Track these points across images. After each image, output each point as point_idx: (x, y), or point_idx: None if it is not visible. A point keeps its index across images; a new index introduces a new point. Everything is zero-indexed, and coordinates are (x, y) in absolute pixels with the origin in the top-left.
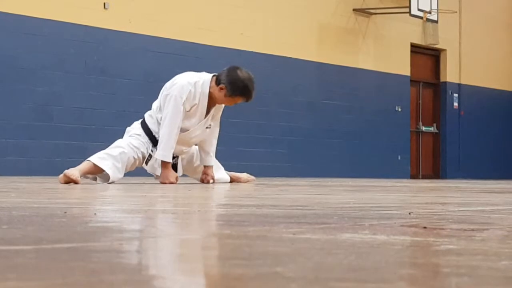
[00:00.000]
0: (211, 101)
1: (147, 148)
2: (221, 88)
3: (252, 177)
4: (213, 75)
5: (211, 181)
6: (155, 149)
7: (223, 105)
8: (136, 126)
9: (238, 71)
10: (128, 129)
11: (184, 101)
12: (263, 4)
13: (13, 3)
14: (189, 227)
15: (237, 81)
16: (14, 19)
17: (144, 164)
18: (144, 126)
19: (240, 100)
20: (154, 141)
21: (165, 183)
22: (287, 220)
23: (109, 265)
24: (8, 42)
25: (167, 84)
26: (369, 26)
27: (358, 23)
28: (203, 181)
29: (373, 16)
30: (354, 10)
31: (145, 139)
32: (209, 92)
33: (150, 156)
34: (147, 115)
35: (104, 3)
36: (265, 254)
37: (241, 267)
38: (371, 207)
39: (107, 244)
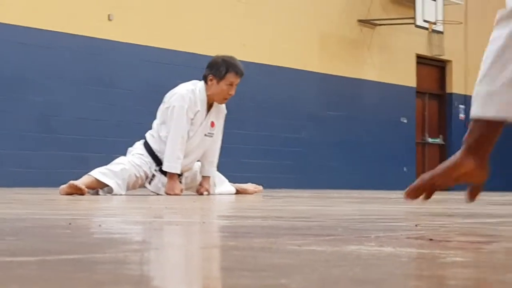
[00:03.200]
0: (209, 108)
1: (150, 167)
2: (210, 79)
3: (259, 187)
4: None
5: (205, 193)
6: (159, 169)
7: (224, 113)
8: (138, 146)
9: (215, 56)
10: (129, 149)
11: (187, 109)
12: (266, 14)
13: (15, 14)
14: (194, 239)
15: (216, 61)
16: (16, 30)
17: (147, 184)
18: (147, 146)
19: (233, 78)
20: (157, 161)
21: (170, 194)
22: (292, 232)
23: (114, 276)
24: (10, 52)
25: (165, 98)
26: (374, 37)
27: (363, 34)
28: (197, 191)
29: (378, 27)
30: (358, 21)
31: (148, 158)
32: (207, 96)
33: (153, 176)
34: (148, 135)
35: (109, 15)
36: (270, 266)
37: (246, 278)
38: (377, 218)
39: (112, 256)
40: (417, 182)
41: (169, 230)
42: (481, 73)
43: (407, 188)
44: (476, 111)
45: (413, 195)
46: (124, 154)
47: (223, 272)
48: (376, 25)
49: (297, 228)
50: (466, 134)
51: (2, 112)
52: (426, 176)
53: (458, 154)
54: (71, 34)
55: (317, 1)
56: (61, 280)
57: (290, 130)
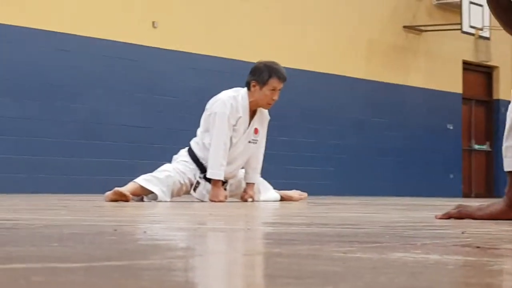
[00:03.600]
0: (252, 114)
1: (194, 174)
2: (253, 85)
3: (304, 194)
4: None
5: (250, 199)
6: (203, 176)
7: (268, 119)
8: (182, 154)
9: (257, 62)
10: (174, 157)
11: (228, 115)
12: (312, 21)
13: (61, 21)
14: (238, 245)
15: (258, 66)
16: (62, 37)
17: (192, 191)
18: (191, 153)
19: (276, 83)
20: (201, 168)
21: (214, 201)
22: (337, 239)
23: (160, 283)
24: (56, 60)
25: (208, 105)
26: (420, 43)
27: (409, 40)
28: (242, 198)
29: (424, 33)
30: (404, 27)
31: (193, 165)
32: (250, 102)
33: (198, 183)
34: (193, 142)
35: (153, 22)
36: (315, 273)
37: (291, 286)
38: (423, 226)
39: (157, 262)
40: (454, 213)
41: (213, 236)
42: (506, 127)
43: (444, 214)
44: (508, 165)
45: (444, 218)
46: (170, 161)
47: (267, 279)
48: (422, 31)
49: (342, 235)
50: (507, 187)
51: (48, 120)
52: (464, 212)
53: (499, 206)
54: (116, 41)
55: (363, 7)
56: (108, 286)
57: (335, 136)
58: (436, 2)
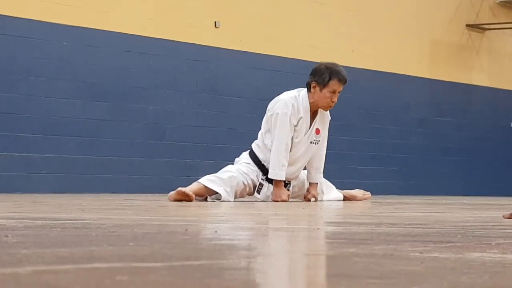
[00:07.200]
0: (313, 115)
1: (257, 176)
2: (313, 86)
3: (368, 193)
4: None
5: (313, 199)
6: (265, 178)
7: (329, 119)
8: (244, 156)
9: (318, 63)
10: (236, 159)
11: (290, 116)
12: (374, 21)
13: (126, 23)
14: (313, 245)
15: (319, 68)
16: (127, 38)
17: (256, 193)
18: (252, 155)
19: (336, 85)
20: (263, 170)
21: (277, 201)
22: (410, 239)
23: (243, 282)
24: (122, 61)
25: (269, 106)
26: (483, 41)
27: (472, 39)
28: (305, 198)
29: (487, 31)
30: (467, 26)
31: (255, 167)
32: (310, 103)
33: (261, 185)
34: (254, 145)
35: (215, 22)
36: (396, 273)
37: (376, 286)
38: (493, 225)
39: (235, 262)
40: None
41: (285, 236)
42: None
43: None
44: None
45: None
46: (233, 161)
47: (351, 279)
48: (485, 29)
49: (415, 235)
50: None
51: (115, 120)
52: None
53: None
54: (179, 41)
55: (425, 7)
56: (193, 285)
57: (398, 136)
58: (499, 0)
